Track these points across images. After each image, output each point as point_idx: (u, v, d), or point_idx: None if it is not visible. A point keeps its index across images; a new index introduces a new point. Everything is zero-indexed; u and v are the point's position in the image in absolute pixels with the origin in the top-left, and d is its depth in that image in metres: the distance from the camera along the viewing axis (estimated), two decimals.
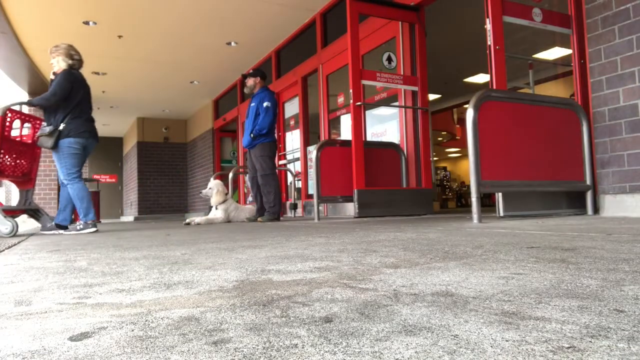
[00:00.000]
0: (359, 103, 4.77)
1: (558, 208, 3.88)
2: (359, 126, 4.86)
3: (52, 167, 10.39)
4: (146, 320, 0.79)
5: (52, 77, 4.57)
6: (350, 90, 4.73)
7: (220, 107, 12.07)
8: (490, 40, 3.74)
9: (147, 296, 1.01)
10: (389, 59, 5.55)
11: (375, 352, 0.58)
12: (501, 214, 3.40)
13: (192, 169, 14.20)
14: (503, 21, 3.82)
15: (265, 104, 5.64)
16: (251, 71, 5.97)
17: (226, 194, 6.34)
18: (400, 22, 5.55)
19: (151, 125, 14.42)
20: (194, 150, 13.97)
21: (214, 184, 6.26)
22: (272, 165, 5.72)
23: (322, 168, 4.96)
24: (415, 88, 5.35)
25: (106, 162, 17.48)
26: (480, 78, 9.95)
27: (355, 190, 4.65)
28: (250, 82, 5.88)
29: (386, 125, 6.08)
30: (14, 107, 4.39)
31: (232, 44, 8.33)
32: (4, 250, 2.50)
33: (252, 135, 5.67)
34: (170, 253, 1.95)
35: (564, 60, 4.09)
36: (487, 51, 3.74)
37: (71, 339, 0.70)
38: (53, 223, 4.48)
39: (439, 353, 0.56)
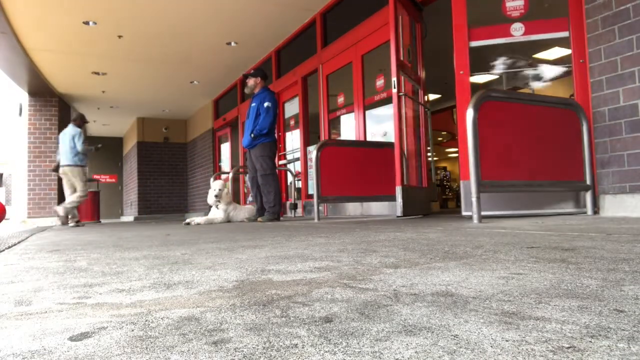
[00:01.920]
0: (401, 93, 4.67)
1: (558, 208, 3.88)
2: (401, 117, 4.73)
3: (52, 167, 10.40)
4: (146, 320, 0.79)
5: None
6: (394, 79, 4.61)
7: (220, 107, 12.07)
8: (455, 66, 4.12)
9: (147, 296, 1.01)
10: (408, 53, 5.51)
11: (375, 352, 0.58)
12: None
13: (192, 169, 14.19)
14: (472, 46, 4.11)
15: (266, 104, 5.65)
16: (252, 71, 5.96)
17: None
18: (400, 22, 5.54)
19: (151, 125, 14.42)
20: (194, 150, 13.97)
21: (221, 184, 6.23)
22: (272, 165, 5.72)
23: (322, 168, 4.96)
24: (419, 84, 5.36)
25: (106, 162, 17.48)
26: (481, 78, 9.95)
27: (399, 188, 4.51)
28: (251, 82, 5.88)
29: (386, 126, 6.08)
30: None
31: (232, 44, 8.33)
32: (4, 250, 2.50)
33: (252, 135, 5.68)
34: (170, 253, 1.95)
35: (564, 60, 4.10)
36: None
37: (71, 339, 0.70)
38: None
39: (439, 353, 0.56)
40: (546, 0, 4.15)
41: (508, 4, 4.07)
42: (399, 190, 4.44)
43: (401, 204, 4.42)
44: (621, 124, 3.35)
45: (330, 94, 7.21)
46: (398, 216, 4.44)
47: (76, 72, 9.44)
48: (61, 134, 7.55)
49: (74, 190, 7.49)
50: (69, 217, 7.56)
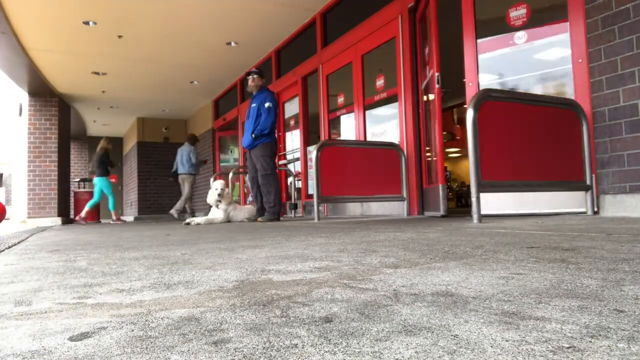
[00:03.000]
0: (445, 89, 4.87)
1: (558, 208, 3.88)
2: (440, 114, 4.91)
3: (52, 167, 10.40)
4: (146, 320, 0.79)
5: None
6: (437, 74, 4.67)
7: (220, 107, 12.07)
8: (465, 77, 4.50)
9: (147, 296, 1.01)
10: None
11: (375, 352, 0.58)
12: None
13: None
14: (481, 59, 4.45)
15: (267, 105, 5.67)
16: (256, 70, 5.96)
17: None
18: (400, 22, 5.55)
19: (151, 125, 14.41)
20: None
21: (222, 184, 6.21)
22: (272, 165, 5.73)
23: (322, 168, 4.96)
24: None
25: None
26: (481, 78, 9.95)
27: (442, 186, 4.54)
28: (257, 81, 5.87)
29: (386, 125, 6.09)
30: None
31: (232, 44, 8.33)
32: (4, 250, 2.50)
33: (253, 135, 5.69)
34: (170, 253, 1.95)
35: (564, 61, 4.14)
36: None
37: (71, 339, 0.70)
38: None
39: (439, 353, 0.56)
40: (547, 2, 4.18)
41: (512, 14, 4.19)
42: (442, 188, 4.48)
43: (446, 203, 4.47)
44: (621, 124, 3.35)
45: (330, 94, 7.21)
46: (443, 215, 4.43)
47: (76, 72, 9.44)
48: (179, 149, 9.94)
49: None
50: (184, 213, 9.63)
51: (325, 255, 1.62)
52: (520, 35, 4.15)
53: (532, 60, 4.23)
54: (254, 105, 5.80)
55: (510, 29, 4.22)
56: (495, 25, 4.42)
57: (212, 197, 6.14)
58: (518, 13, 4.17)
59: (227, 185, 6.65)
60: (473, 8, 4.43)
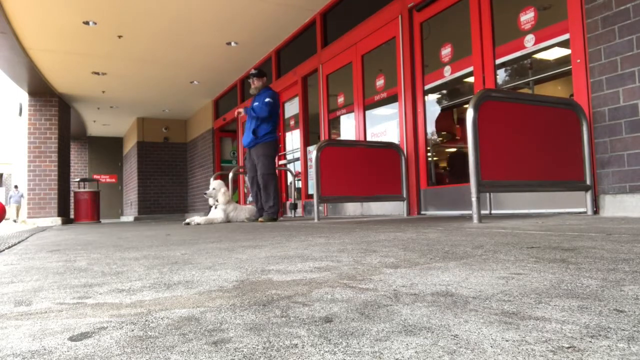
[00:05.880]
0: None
1: (558, 208, 3.88)
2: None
3: (52, 167, 10.40)
4: (146, 320, 0.79)
5: None
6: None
7: (220, 107, 12.08)
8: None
9: (147, 296, 1.01)
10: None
11: (375, 352, 0.58)
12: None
13: (192, 169, 14.20)
14: (497, 63, 4.59)
15: (267, 100, 5.68)
16: (257, 71, 5.94)
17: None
18: (400, 22, 5.55)
19: (151, 125, 14.42)
20: (194, 150, 13.97)
21: (218, 184, 6.23)
22: (272, 165, 5.77)
23: (322, 168, 4.96)
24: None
25: (106, 162, 17.49)
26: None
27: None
28: (258, 82, 5.86)
29: (386, 125, 6.09)
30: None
31: (232, 44, 8.33)
32: (4, 250, 2.50)
33: (254, 115, 5.66)
34: (170, 253, 1.95)
35: (564, 61, 4.14)
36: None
37: (71, 339, 0.70)
38: None
39: (439, 353, 0.56)
40: (547, 4, 4.19)
41: (522, 18, 4.25)
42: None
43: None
44: (621, 124, 3.35)
45: (330, 94, 7.21)
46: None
47: (76, 72, 9.43)
48: None
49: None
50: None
51: (325, 255, 1.62)
52: (529, 39, 4.21)
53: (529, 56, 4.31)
54: (256, 104, 5.81)
55: (521, 32, 4.28)
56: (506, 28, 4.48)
57: (219, 197, 6.14)
58: (527, 17, 4.25)
59: (227, 186, 6.64)
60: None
